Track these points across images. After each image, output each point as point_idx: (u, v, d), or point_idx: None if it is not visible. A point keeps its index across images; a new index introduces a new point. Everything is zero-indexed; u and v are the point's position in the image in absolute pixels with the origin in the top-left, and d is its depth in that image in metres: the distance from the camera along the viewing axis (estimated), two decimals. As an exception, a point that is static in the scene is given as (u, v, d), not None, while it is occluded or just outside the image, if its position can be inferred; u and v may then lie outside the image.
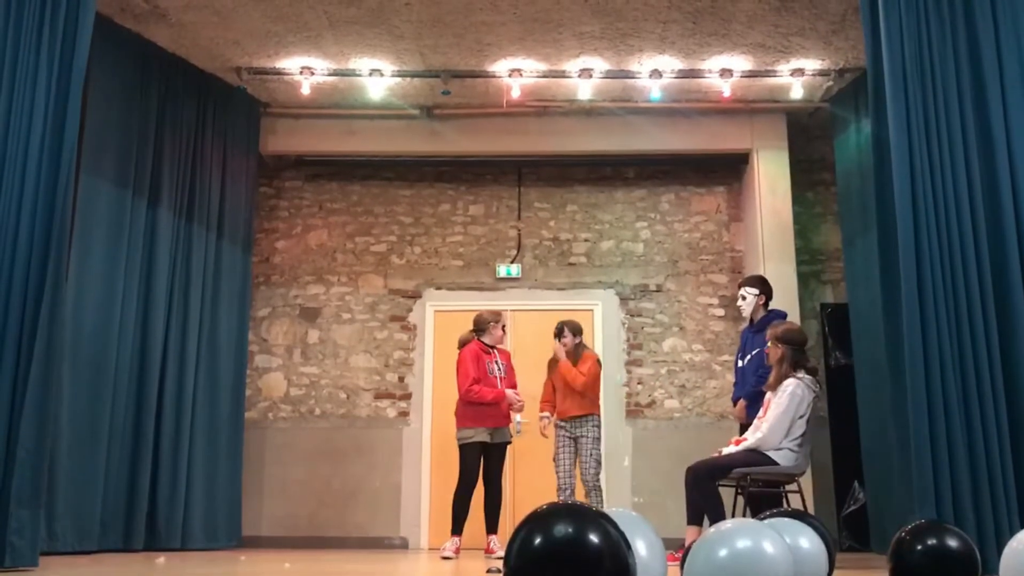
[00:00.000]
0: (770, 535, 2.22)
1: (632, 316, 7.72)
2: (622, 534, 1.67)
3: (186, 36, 6.40)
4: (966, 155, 4.42)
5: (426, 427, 7.50)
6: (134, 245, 6.19)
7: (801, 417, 4.82)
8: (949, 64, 4.52)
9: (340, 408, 7.61)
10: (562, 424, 6.13)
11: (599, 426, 6.14)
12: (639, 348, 7.66)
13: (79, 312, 5.69)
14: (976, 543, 2.87)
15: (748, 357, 5.70)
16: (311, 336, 7.77)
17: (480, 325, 6.24)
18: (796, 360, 4.92)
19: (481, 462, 6.01)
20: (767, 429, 4.80)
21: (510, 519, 6.72)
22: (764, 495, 4.99)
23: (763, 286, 5.88)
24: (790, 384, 4.84)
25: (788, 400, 4.80)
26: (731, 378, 6.45)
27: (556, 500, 1.98)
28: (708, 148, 7.63)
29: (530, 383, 6.57)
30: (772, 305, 5.89)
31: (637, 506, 7.22)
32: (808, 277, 7.63)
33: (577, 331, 6.21)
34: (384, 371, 7.68)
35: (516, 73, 6.82)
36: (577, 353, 6.17)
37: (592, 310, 7.66)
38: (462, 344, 6.27)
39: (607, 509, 2.11)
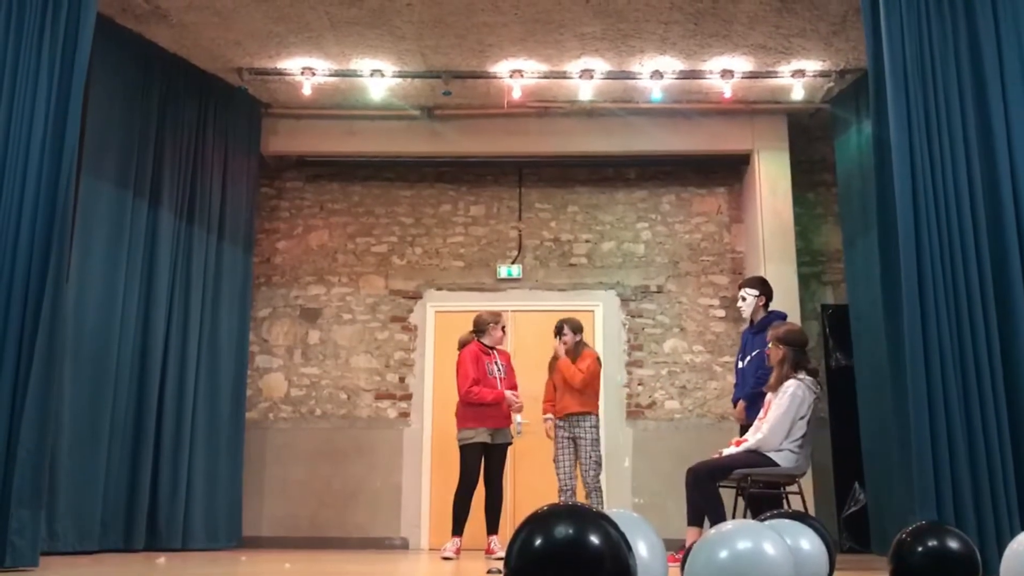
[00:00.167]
0: (771, 536, 2.22)
1: (633, 317, 7.72)
2: (623, 535, 1.67)
3: (187, 37, 6.40)
4: (967, 155, 4.42)
5: (427, 428, 7.50)
6: (135, 245, 6.19)
7: (802, 418, 4.82)
8: (950, 65, 4.52)
9: (341, 409, 7.61)
10: (561, 424, 6.12)
11: (597, 427, 6.14)
12: (640, 349, 7.66)
13: (80, 312, 5.70)
14: (977, 544, 2.87)
15: (748, 358, 5.70)
16: (312, 336, 7.77)
17: (480, 326, 6.24)
18: (797, 361, 4.92)
19: (482, 463, 6.01)
20: (767, 430, 4.80)
21: (510, 520, 6.72)
22: (764, 496, 4.98)
23: (763, 287, 5.88)
24: (791, 385, 4.84)
25: (789, 401, 4.80)
26: (732, 379, 6.46)
27: (557, 501, 1.97)
28: (709, 149, 7.63)
29: (531, 384, 6.58)
30: (772, 306, 5.89)
31: (637, 507, 7.21)
32: (809, 278, 7.63)
33: (577, 329, 6.21)
34: (385, 372, 7.68)
35: (517, 74, 6.82)
36: (577, 351, 6.17)
37: (593, 311, 7.66)
38: (462, 345, 6.27)
39: (607, 510, 2.11)
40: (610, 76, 6.88)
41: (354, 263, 7.90)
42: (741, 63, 6.72)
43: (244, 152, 7.33)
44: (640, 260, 7.84)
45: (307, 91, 6.91)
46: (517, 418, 6.18)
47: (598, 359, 6.27)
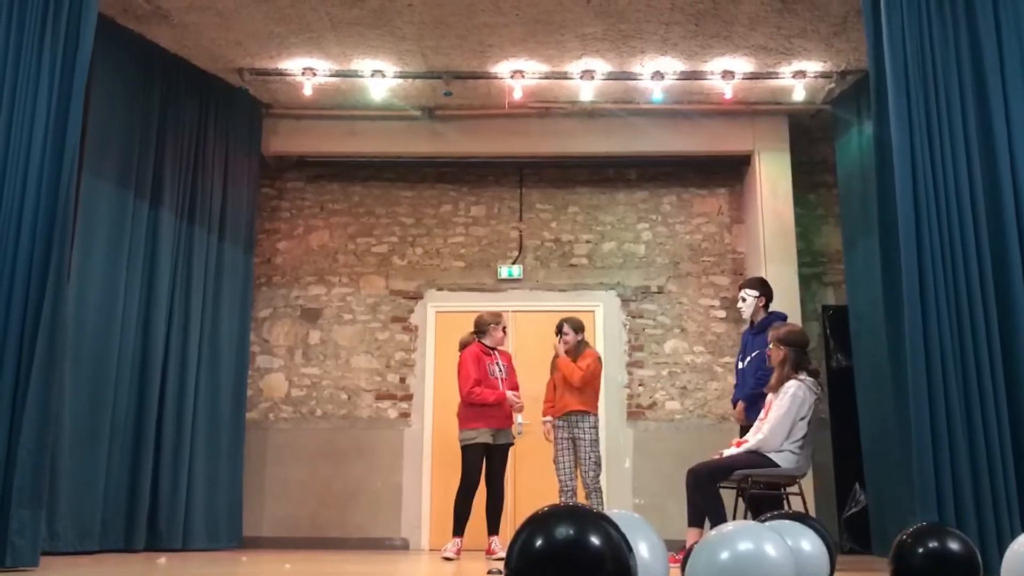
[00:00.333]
0: (771, 537, 2.22)
1: (633, 318, 7.72)
2: (623, 536, 1.67)
3: (188, 37, 6.40)
4: (968, 156, 4.42)
5: (427, 428, 7.50)
6: (136, 245, 6.19)
7: (802, 419, 4.82)
8: (951, 65, 4.52)
9: (341, 409, 7.62)
10: (560, 424, 6.11)
11: (596, 427, 6.12)
12: (640, 350, 7.66)
13: (81, 312, 5.70)
14: (977, 546, 2.87)
15: (748, 359, 5.70)
16: (312, 337, 7.77)
17: (480, 327, 6.24)
18: (798, 362, 4.92)
19: (483, 463, 6.00)
20: (768, 431, 4.80)
21: (511, 520, 6.72)
22: (765, 497, 4.98)
23: (763, 288, 5.88)
24: (791, 386, 4.84)
25: (789, 402, 4.80)
26: (732, 380, 6.45)
27: (557, 502, 1.97)
28: (710, 150, 7.63)
29: (531, 384, 6.57)
30: (773, 307, 5.90)
31: (638, 507, 7.21)
32: (810, 279, 7.63)
33: (579, 328, 6.21)
34: (385, 372, 7.68)
35: (518, 74, 6.82)
36: (578, 350, 6.16)
37: (593, 311, 7.66)
38: (463, 346, 6.27)
39: (608, 511, 2.11)
40: (611, 77, 6.88)
41: (355, 263, 7.91)
42: (742, 64, 6.72)
43: (245, 152, 7.33)
44: (641, 261, 7.84)
45: (308, 91, 6.92)
46: (518, 418, 6.17)
47: (599, 359, 6.26)
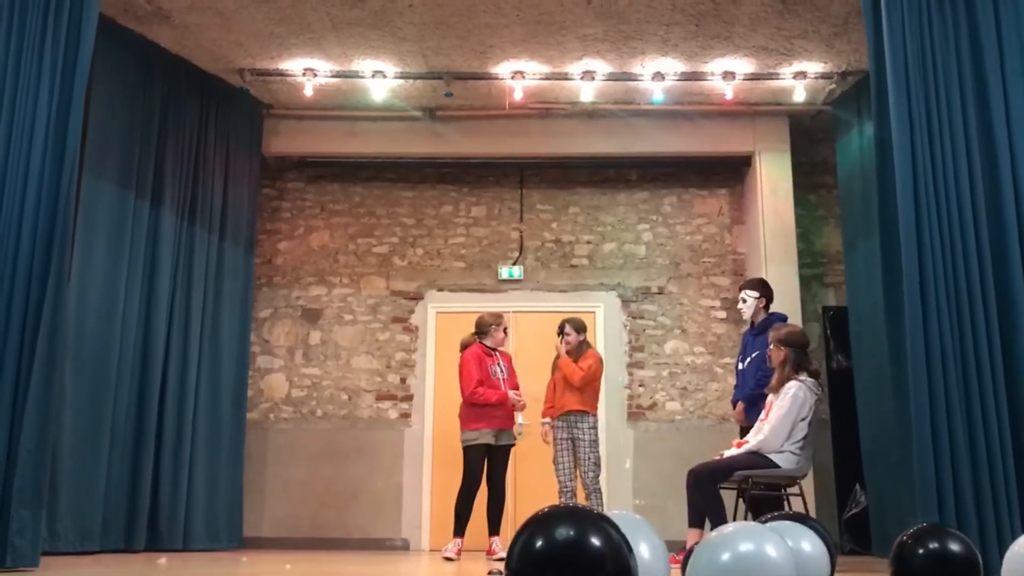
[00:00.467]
0: (772, 538, 2.22)
1: (634, 318, 7.72)
2: (624, 537, 1.67)
3: (189, 37, 6.41)
4: (968, 157, 4.42)
5: (428, 428, 7.50)
6: (136, 246, 6.20)
7: (803, 420, 4.81)
8: (951, 66, 4.52)
9: (342, 409, 7.62)
10: (560, 424, 6.10)
11: (595, 428, 6.11)
12: (640, 350, 7.66)
13: (81, 312, 5.70)
14: (978, 547, 2.87)
15: (748, 360, 5.70)
16: (313, 337, 7.77)
17: (481, 328, 6.24)
18: (798, 363, 4.92)
19: (485, 464, 6.00)
20: (768, 431, 4.80)
21: (511, 521, 6.72)
22: (765, 498, 4.98)
23: (763, 289, 5.88)
24: (792, 387, 4.84)
25: (790, 403, 4.79)
26: (732, 381, 6.45)
27: (558, 502, 1.97)
28: (710, 151, 7.63)
29: (532, 385, 6.57)
30: (773, 307, 5.89)
31: (638, 508, 7.21)
32: (810, 280, 7.63)
33: (580, 328, 6.21)
34: (386, 372, 7.68)
35: (519, 75, 6.82)
36: (580, 351, 6.16)
37: (594, 312, 7.66)
38: (464, 347, 6.27)
39: (609, 511, 2.11)
40: (611, 77, 6.88)
41: (355, 264, 7.91)
42: (742, 65, 6.72)
43: (246, 153, 7.33)
44: (641, 261, 7.84)
45: (309, 92, 6.92)
46: (519, 418, 6.18)
47: (600, 360, 6.26)
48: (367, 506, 7.37)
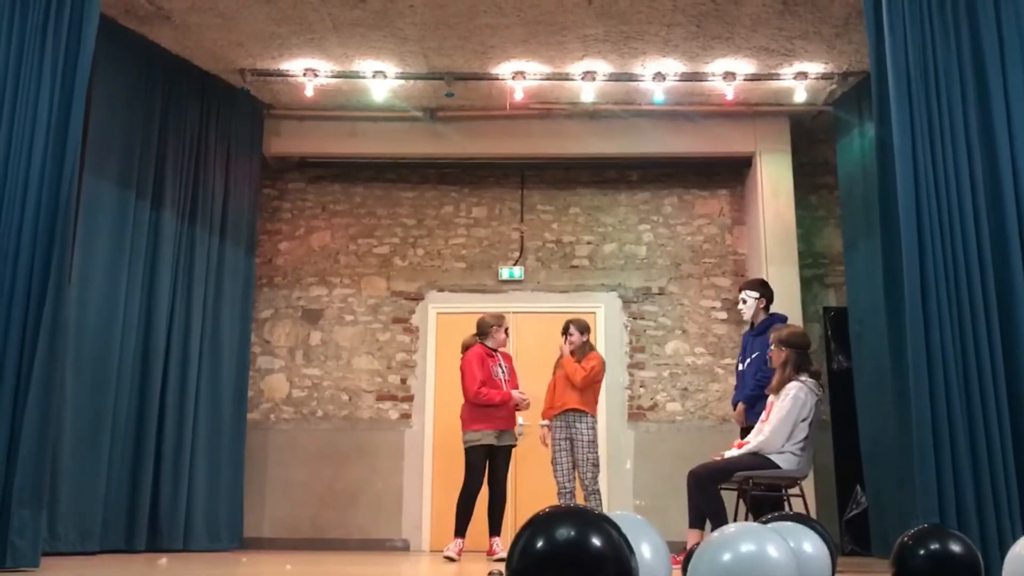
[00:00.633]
0: (774, 539, 2.22)
1: (634, 319, 7.72)
2: (624, 537, 1.66)
3: (190, 38, 6.41)
4: (969, 157, 4.42)
5: (428, 429, 7.50)
6: (137, 246, 6.20)
7: (804, 420, 4.81)
8: (953, 67, 4.52)
9: (342, 410, 7.61)
10: (558, 423, 6.09)
11: (594, 428, 6.09)
12: (641, 351, 7.66)
13: (82, 312, 5.70)
14: (979, 548, 2.87)
15: (748, 360, 5.70)
16: (313, 338, 7.77)
17: (483, 328, 6.24)
18: (799, 363, 4.92)
19: (486, 465, 6.00)
20: (769, 432, 4.80)
21: (512, 521, 6.71)
22: (766, 498, 4.98)
23: (763, 289, 5.88)
24: (793, 387, 4.84)
25: (791, 404, 4.79)
26: (733, 381, 6.45)
27: (558, 503, 1.97)
28: (711, 151, 7.63)
29: (533, 385, 6.56)
30: (773, 308, 5.89)
31: (639, 509, 7.21)
32: (811, 281, 7.63)
33: (584, 329, 6.20)
34: (386, 373, 7.68)
35: (519, 75, 6.82)
36: (583, 352, 6.15)
37: (594, 313, 7.66)
38: (465, 347, 6.27)
39: (611, 512, 2.10)
40: (612, 78, 6.88)
41: (356, 264, 7.91)
42: (743, 65, 6.72)
43: (246, 153, 7.34)
44: (642, 262, 7.84)
45: (309, 92, 6.92)
46: (519, 419, 6.17)
47: (603, 363, 6.25)
48: (367, 507, 7.37)
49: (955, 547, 2.69)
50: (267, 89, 7.22)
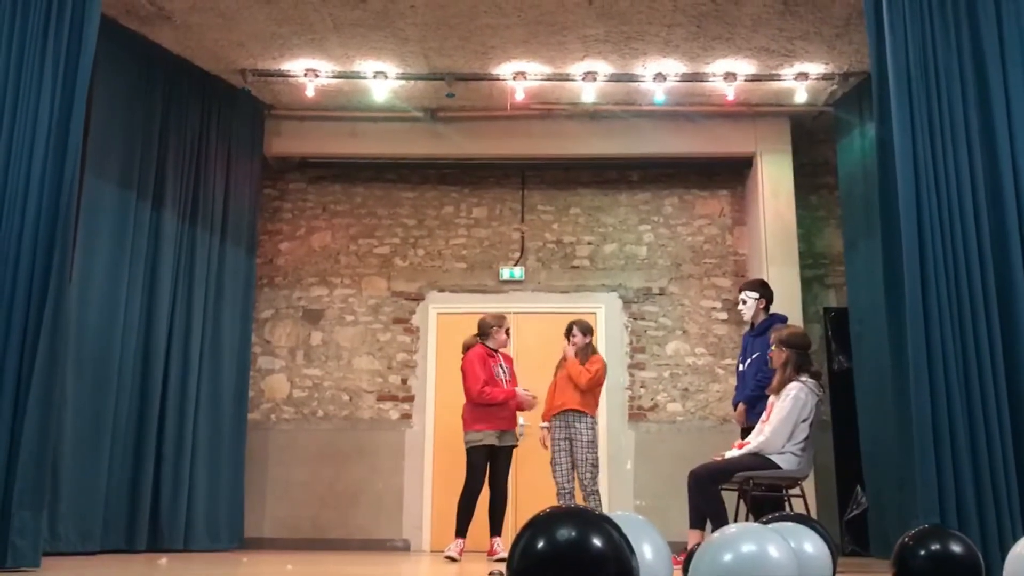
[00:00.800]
0: (775, 539, 2.22)
1: (635, 319, 7.72)
2: (625, 537, 1.66)
3: (191, 38, 6.41)
4: (970, 158, 4.42)
5: (429, 429, 7.50)
6: (138, 246, 6.20)
7: (804, 421, 4.81)
8: (953, 67, 4.52)
9: (343, 410, 7.62)
10: (557, 423, 6.08)
11: (593, 428, 6.08)
12: (642, 351, 7.66)
13: (83, 313, 5.70)
14: (980, 548, 2.86)
15: (749, 361, 5.70)
16: (314, 338, 7.77)
17: (483, 329, 6.24)
18: (800, 364, 4.92)
19: (487, 465, 6.00)
20: (770, 433, 4.80)
21: (512, 522, 6.71)
22: (766, 499, 4.98)
23: (763, 290, 5.88)
24: (793, 388, 4.84)
25: (791, 404, 4.79)
26: (733, 382, 6.45)
27: (557, 503, 1.97)
28: (712, 151, 7.63)
29: (533, 386, 6.54)
30: (774, 309, 5.89)
31: (639, 509, 7.20)
32: (811, 281, 7.63)
33: (587, 330, 6.19)
34: (387, 373, 7.68)
35: (520, 76, 6.82)
36: (586, 353, 6.14)
37: (595, 313, 7.65)
38: (466, 348, 6.26)
39: (612, 513, 2.10)
40: (613, 78, 6.88)
41: (356, 264, 7.91)
42: (744, 66, 6.72)
43: (247, 153, 7.34)
44: (642, 262, 7.84)
45: (310, 93, 6.92)
46: (520, 419, 6.18)
47: (606, 367, 6.25)
48: (368, 507, 7.37)
49: (956, 547, 2.69)
50: (268, 89, 7.22)
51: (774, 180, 7.43)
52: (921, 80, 4.46)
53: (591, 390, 6.08)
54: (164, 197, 6.48)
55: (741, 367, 5.82)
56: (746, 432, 5.34)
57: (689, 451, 6.81)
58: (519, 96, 6.91)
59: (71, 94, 4.52)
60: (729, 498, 4.96)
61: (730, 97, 6.95)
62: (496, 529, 6.03)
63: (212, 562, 5.27)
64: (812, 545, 2.69)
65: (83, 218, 5.63)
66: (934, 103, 4.45)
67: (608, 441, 7.31)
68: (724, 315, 7.67)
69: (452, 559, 5.72)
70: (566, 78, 6.89)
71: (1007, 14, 4.57)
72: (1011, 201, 4.34)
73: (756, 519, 4.49)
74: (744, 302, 5.85)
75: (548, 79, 6.91)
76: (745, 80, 6.85)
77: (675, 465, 6.76)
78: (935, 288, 4.20)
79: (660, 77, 6.82)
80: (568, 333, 6.19)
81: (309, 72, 6.82)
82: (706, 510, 4.82)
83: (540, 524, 1.67)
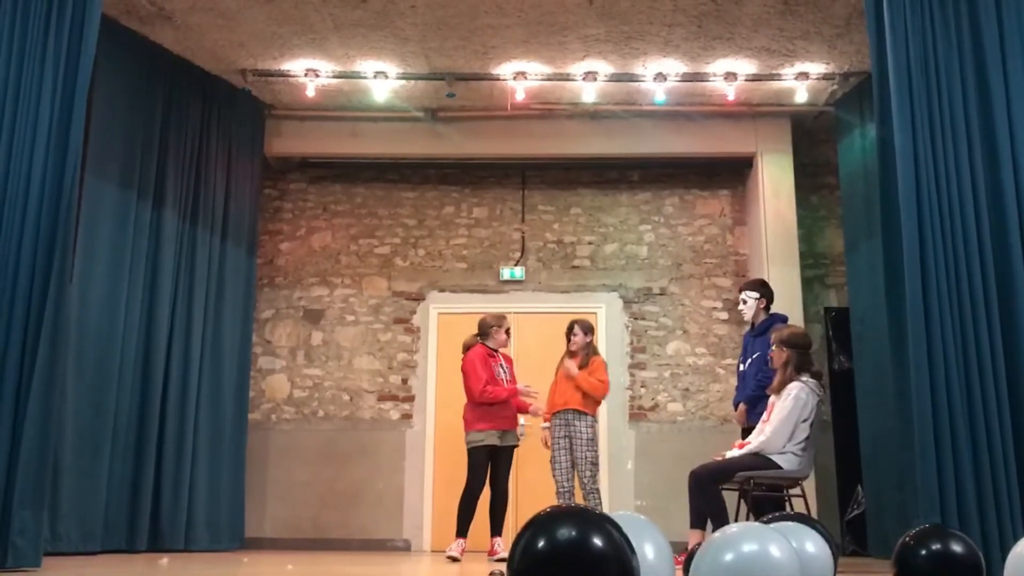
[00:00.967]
0: (776, 539, 2.22)
1: (635, 319, 7.72)
2: (626, 537, 1.66)
3: (191, 38, 6.41)
4: (971, 158, 4.42)
5: (429, 429, 7.50)
6: (138, 247, 6.20)
7: (805, 421, 4.81)
8: (954, 67, 4.52)
9: (343, 410, 7.62)
10: (557, 422, 6.07)
11: (593, 427, 6.06)
12: (642, 351, 7.66)
13: (84, 313, 5.70)
14: (980, 548, 2.86)
15: (749, 361, 5.69)
16: (315, 338, 7.77)
17: (483, 329, 6.23)
18: (800, 364, 4.91)
19: (488, 465, 6.00)
20: (770, 432, 4.80)
21: (512, 522, 6.71)
22: (767, 499, 4.97)
23: (763, 290, 5.87)
24: (794, 388, 4.83)
25: (792, 404, 4.79)
26: (734, 382, 6.45)
27: (558, 503, 1.97)
28: (712, 151, 7.63)
29: (534, 386, 6.54)
30: (774, 309, 5.88)
31: (640, 509, 7.20)
32: (812, 281, 7.62)
33: (588, 330, 6.19)
34: (387, 373, 7.68)
35: (520, 76, 6.82)
36: (587, 353, 6.12)
37: (596, 313, 7.65)
38: (466, 348, 6.26)
39: (614, 512, 2.10)
40: (613, 78, 6.88)
41: (357, 264, 7.91)
42: (744, 65, 6.72)
43: (247, 153, 7.34)
44: (643, 262, 7.84)
45: (311, 93, 6.93)
46: (520, 420, 6.18)
47: (606, 365, 6.25)
48: (369, 507, 7.37)
49: (957, 547, 2.69)
50: (268, 89, 7.22)
51: (775, 180, 7.43)
52: (922, 78, 4.46)
53: (604, 398, 6.12)
54: (164, 197, 6.48)
55: (742, 367, 5.81)
56: (747, 432, 5.34)
57: (690, 451, 6.81)
58: (519, 96, 6.91)
59: (71, 94, 4.52)
60: (730, 498, 4.96)
61: (731, 97, 6.95)
62: (497, 529, 6.03)
63: (213, 562, 5.27)
64: (813, 545, 2.69)
65: (83, 218, 5.63)
66: (935, 101, 4.45)
67: (609, 441, 7.31)
68: (725, 315, 7.67)
69: (454, 559, 5.72)
70: (566, 78, 6.89)
71: (1008, 12, 4.57)
72: (1012, 199, 4.34)
73: (757, 519, 4.50)
74: (745, 302, 5.85)
75: (548, 79, 6.91)
76: (746, 80, 6.85)
77: (676, 465, 6.76)
78: (936, 287, 4.20)
79: (660, 77, 6.82)
80: (569, 332, 6.18)
81: (309, 72, 6.82)
82: (707, 510, 4.81)
83: (541, 524, 1.66)
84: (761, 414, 5.10)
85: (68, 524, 5.45)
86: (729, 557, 2.16)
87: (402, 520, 7.33)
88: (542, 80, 6.91)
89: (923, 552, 2.69)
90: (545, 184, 8.04)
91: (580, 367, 6.07)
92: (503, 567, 1.96)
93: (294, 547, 7.10)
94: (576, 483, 6.05)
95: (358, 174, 8.05)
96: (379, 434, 7.53)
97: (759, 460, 4.80)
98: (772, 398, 4.99)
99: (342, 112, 7.51)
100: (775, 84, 6.96)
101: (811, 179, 7.81)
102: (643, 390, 7.57)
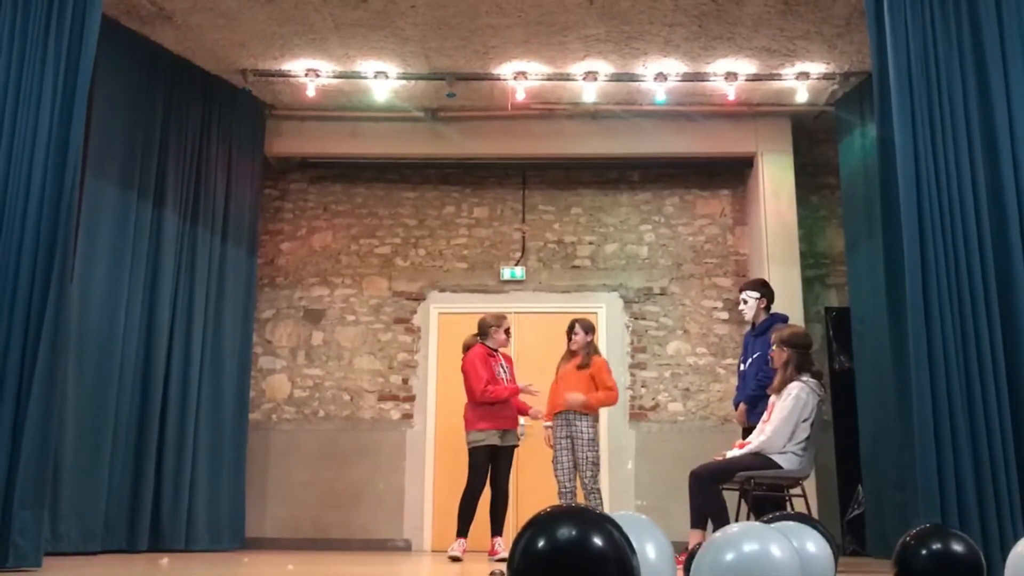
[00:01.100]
0: (777, 538, 2.22)
1: (636, 319, 7.72)
2: (626, 537, 1.66)
3: (192, 38, 6.41)
4: (971, 158, 4.42)
5: (430, 429, 7.50)
6: (139, 246, 6.20)
7: (805, 421, 4.81)
8: (954, 67, 4.52)
9: (344, 410, 7.62)
10: (559, 422, 6.06)
11: (594, 427, 6.06)
12: (643, 351, 7.66)
13: (84, 313, 5.70)
14: (981, 548, 2.86)
15: (750, 361, 5.69)
16: (315, 338, 7.77)
17: (483, 329, 6.23)
18: (801, 364, 4.91)
19: (489, 465, 5.99)
20: (771, 432, 4.80)
21: (513, 521, 6.71)
22: (767, 499, 4.97)
23: (764, 289, 5.87)
24: (794, 388, 4.83)
25: (792, 404, 4.79)
26: (735, 382, 6.45)
27: (559, 503, 1.97)
28: (713, 151, 7.63)
29: (534, 386, 6.54)
30: (775, 308, 5.88)
31: (640, 509, 7.20)
32: (813, 281, 7.62)
33: (589, 329, 6.18)
34: (388, 373, 7.68)
35: (521, 76, 6.82)
36: (588, 353, 6.12)
37: (596, 313, 7.65)
38: (466, 348, 6.26)
39: (616, 513, 2.10)
40: (614, 78, 6.88)
41: (357, 264, 7.91)
42: (745, 65, 6.72)
43: (248, 154, 7.34)
44: (643, 262, 7.84)
45: (311, 93, 6.93)
46: (521, 420, 6.18)
47: (606, 364, 6.25)
48: (369, 507, 7.37)
49: (957, 547, 2.69)
50: (268, 89, 7.22)
51: (775, 180, 7.43)
52: (922, 77, 4.46)
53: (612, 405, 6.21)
54: (165, 197, 6.48)
55: (742, 367, 5.81)
56: (747, 432, 5.34)
57: (690, 451, 6.81)
58: (520, 96, 6.91)
59: (72, 94, 4.52)
60: (730, 498, 4.96)
61: (731, 97, 6.94)
62: (497, 529, 6.03)
63: (213, 562, 5.27)
64: (814, 544, 2.69)
65: (84, 218, 5.63)
66: (935, 100, 4.45)
67: (609, 441, 7.31)
68: (725, 315, 7.67)
69: (456, 559, 5.72)
70: (567, 78, 6.89)
71: (1008, 12, 4.57)
72: (1012, 199, 4.34)
73: (757, 519, 4.49)
74: (745, 302, 5.85)
75: (549, 79, 6.91)
76: (746, 80, 6.85)
77: (676, 465, 6.75)
78: (936, 287, 4.20)
79: (661, 77, 6.81)
80: (570, 331, 6.18)
81: (310, 72, 6.82)
82: (707, 510, 4.81)
83: (541, 523, 1.66)
84: (761, 414, 5.10)
85: (69, 524, 5.45)
86: (730, 557, 2.16)
87: (402, 520, 7.33)
88: (542, 80, 6.91)
89: (923, 552, 2.69)
90: (545, 184, 8.04)
91: (581, 366, 6.07)
92: (503, 567, 1.96)
93: (294, 547, 7.10)
94: (578, 483, 6.05)
95: (358, 174, 8.05)
96: (379, 434, 7.53)
97: (759, 460, 4.80)
98: (772, 398, 4.99)
99: (342, 112, 7.51)
100: (775, 84, 6.96)
101: (811, 179, 7.81)
102: (643, 390, 7.57)
